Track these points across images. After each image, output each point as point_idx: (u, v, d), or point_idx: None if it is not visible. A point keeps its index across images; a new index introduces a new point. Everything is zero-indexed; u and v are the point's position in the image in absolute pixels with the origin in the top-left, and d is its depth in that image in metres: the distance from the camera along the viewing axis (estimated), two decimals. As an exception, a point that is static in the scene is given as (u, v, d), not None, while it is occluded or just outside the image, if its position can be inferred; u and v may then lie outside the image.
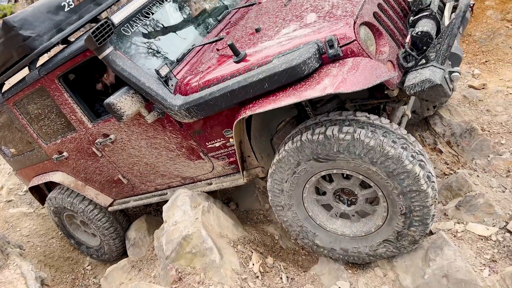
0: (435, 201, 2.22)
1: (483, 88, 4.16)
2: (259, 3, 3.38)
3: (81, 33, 4.09)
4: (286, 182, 2.49)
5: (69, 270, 4.49)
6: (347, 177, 2.42)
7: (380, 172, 2.17)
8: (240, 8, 3.48)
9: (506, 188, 2.85)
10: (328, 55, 2.17)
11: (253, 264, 2.72)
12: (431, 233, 2.56)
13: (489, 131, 3.53)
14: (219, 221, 2.96)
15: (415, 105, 3.74)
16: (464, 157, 3.51)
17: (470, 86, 4.23)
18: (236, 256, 2.72)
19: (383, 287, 2.44)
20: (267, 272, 2.74)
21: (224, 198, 4.03)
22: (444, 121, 3.82)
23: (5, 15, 10.43)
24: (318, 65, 2.18)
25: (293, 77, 2.17)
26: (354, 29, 2.20)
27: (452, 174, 3.33)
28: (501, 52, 4.72)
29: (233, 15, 3.44)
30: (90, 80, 3.78)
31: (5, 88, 3.77)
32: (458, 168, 3.42)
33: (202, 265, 2.57)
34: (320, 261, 2.77)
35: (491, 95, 4.02)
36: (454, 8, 2.63)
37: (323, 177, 2.50)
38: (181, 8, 3.41)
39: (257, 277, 2.64)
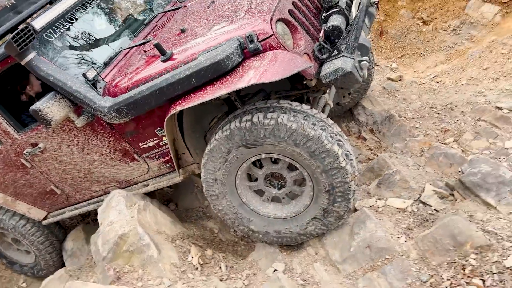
0: (354, 177, 2.42)
1: (400, 80, 4.57)
2: (185, 6, 3.48)
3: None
4: (218, 170, 2.59)
5: (2, 290, 4.26)
6: (276, 162, 2.57)
7: (303, 153, 2.34)
8: (166, 11, 3.56)
9: (420, 166, 3.15)
10: (249, 50, 2.31)
11: (192, 257, 2.78)
12: (355, 210, 2.77)
13: (405, 117, 3.87)
14: (156, 219, 2.99)
15: (339, 97, 4.01)
16: (385, 142, 3.82)
17: (389, 79, 4.61)
18: (175, 250, 2.77)
19: (315, 264, 2.60)
20: (206, 263, 2.81)
21: (164, 199, 4.05)
22: (367, 111, 4.14)
23: None
24: (241, 59, 2.31)
25: (218, 71, 2.28)
26: (271, 25, 2.36)
27: (375, 158, 3.62)
28: (414, 47, 5.20)
29: (159, 19, 3.50)
30: (13, 92, 3.65)
31: None
32: (381, 153, 3.71)
33: (140, 262, 2.59)
34: (257, 248, 2.90)
35: (406, 86, 4.42)
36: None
37: (254, 164, 2.63)
38: (106, 13, 3.42)
39: (197, 268, 2.71)
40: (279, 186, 2.70)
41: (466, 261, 2.15)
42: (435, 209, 2.62)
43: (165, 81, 2.42)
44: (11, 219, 3.86)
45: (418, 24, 5.26)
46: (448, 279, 2.13)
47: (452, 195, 2.69)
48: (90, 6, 3.25)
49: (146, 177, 3.25)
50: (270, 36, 2.33)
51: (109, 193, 3.44)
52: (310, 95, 2.88)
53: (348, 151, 2.41)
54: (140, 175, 3.23)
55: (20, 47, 2.51)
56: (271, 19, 2.40)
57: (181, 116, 2.77)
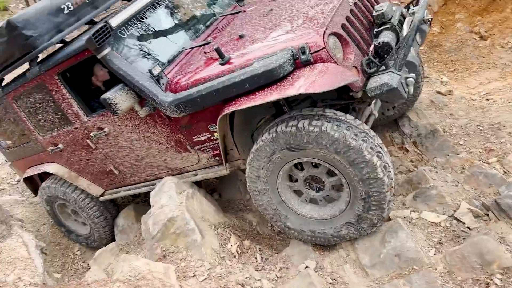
0: (390, 188, 2.55)
1: (449, 94, 4.55)
2: (244, 11, 3.70)
3: (78, 33, 4.35)
4: (262, 169, 2.80)
5: (59, 255, 4.73)
6: (316, 166, 2.74)
7: (343, 161, 2.49)
8: (226, 15, 3.79)
9: (459, 183, 3.20)
10: (300, 61, 2.49)
11: (231, 245, 3.03)
12: (389, 219, 2.89)
13: (450, 132, 3.90)
14: (201, 206, 3.26)
15: (384, 108, 4.09)
16: (427, 155, 3.87)
17: (438, 92, 4.60)
18: (216, 237, 3.03)
19: (345, 266, 2.76)
20: (244, 252, 3.05)
21: (209, 189, 4.33)
22: (412, 123, 4.19)
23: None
24: (292, 69, 2.50)
25: (270, 78, 2.49)
26: (323, 38, 2.53)
27: (415, 170, 3.68)
28: (468, 62, 5.13)
29: (220, 22, 3.74)
30: (85, 80, 4.04)
31: (3, 83, 4.01)
32: (422, 165, 3.77)
33: (184, 244, 2.87)
34: (291, 244, 3.09)
35: (455, 101, 4.40)
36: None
37: (295, 166, 2.81)
38: (172, 14, 3.71)
39: (234, 256, 2.95)
40: (317, 189, 2.87)
41: (491, 280, 2.23)
42: (468, 227, 2.69)
43: (222, 83, 2.65)
44: (73, 192, 4.31)
45: (475, 38, 5.18)
46: (471, 295, 2.23)
47: (487, 215, 2.75)
48: (159, 7, 3.55)
49: (196, 167, 3.52)
50: (322, 49, 2.49)
51: (161, 178, 3.77)
52: (355, 106, 3.02)
53: (387, 163, 2.53)
54: (191, 165, 3.51)
55: (98, 42, 2.84)
56: (324, 33, 2.56)
57: (232, 115, 3.00)
